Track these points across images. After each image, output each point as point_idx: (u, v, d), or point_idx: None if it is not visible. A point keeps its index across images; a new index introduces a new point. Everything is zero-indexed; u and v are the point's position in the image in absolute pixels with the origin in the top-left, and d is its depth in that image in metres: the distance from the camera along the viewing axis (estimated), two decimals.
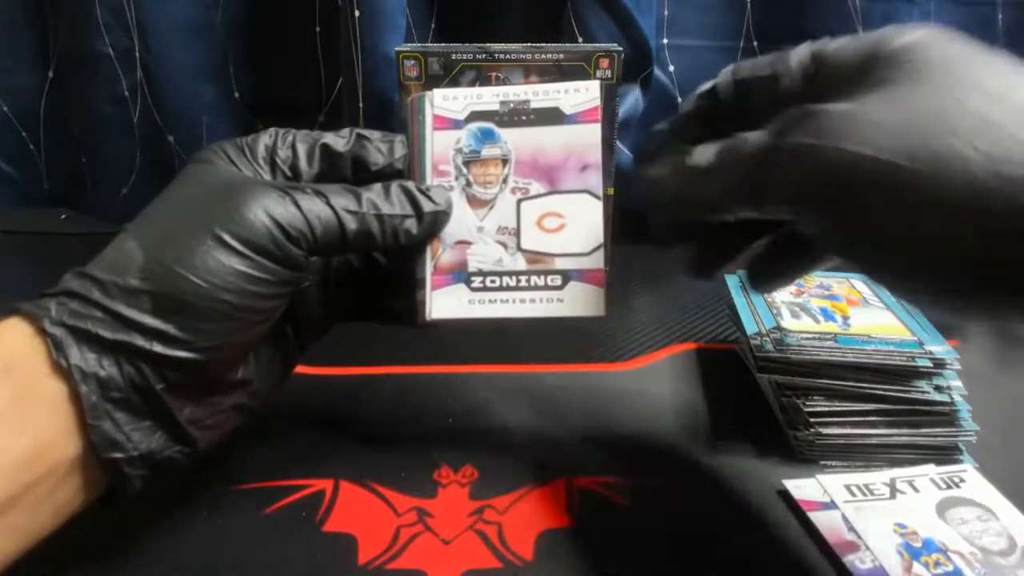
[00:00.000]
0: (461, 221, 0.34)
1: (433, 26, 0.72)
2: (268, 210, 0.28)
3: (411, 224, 0.32)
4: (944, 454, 0.38)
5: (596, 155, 0.33)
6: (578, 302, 0.33)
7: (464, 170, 0.34)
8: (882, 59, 0.25)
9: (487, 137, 0.34)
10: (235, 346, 0.29)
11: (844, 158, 0.23)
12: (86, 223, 0.73)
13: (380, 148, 0.34)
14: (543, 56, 0.52)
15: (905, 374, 0.38)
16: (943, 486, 0.36)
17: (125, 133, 0.70)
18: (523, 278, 0.33)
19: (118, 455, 0.27)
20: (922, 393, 0.38)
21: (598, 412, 0.43)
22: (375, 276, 0.37)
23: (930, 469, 0.37)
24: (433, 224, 0.33)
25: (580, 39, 0.65)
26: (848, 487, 0.36)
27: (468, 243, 0.34)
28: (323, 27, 0.70)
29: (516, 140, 0.34)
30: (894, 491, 0.36)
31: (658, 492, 0.36)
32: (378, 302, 0.37)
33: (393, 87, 0.62)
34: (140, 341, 0.26)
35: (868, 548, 0.32)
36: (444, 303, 0.33)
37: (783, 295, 0.45)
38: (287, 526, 0.33)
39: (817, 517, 0.34)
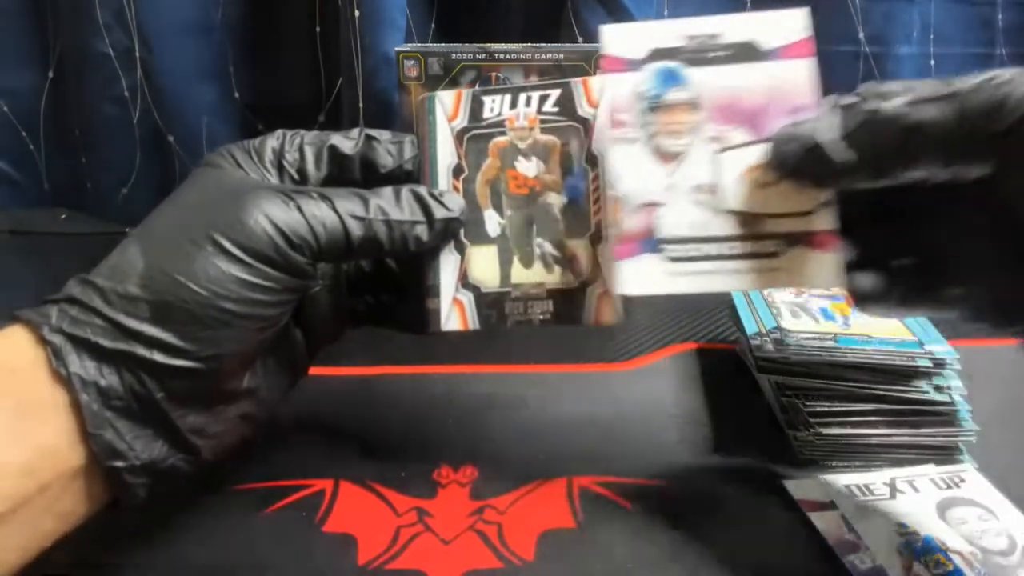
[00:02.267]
0: (646, 179, 0.29)
1: (433, 26, 0.72)
2: (270, 216, 0.28)
3: (421, 231, 0.31)
4: (944, 454, 0.38)
5: (808, 95, 0.28)
6: (804, 271, 0.28)
7: (647, 119, 0.30)
8: None
9: (672, 79, 0.30)
10: (237, 355, 0.28)
11: None
12: (86, 223, 0.73)
13: (390, 149, 0.33)
14: (543, 56, 0.52)
15: (905, 374, 0.38)
16: (943, 486, 0.36)
17: (125, 133, 0.70)
18: (731, 245, 0.29)
19: (120, 464, 0.26)
20: (922, 393, 0.38)
21: (598, 412, 0.43)
22: (387, 282, 0.36)
23: (930, 469, 0.37)
24: (444, 231, 0.32)
25: (580, 39, 0.65)
26: (848, 487, 0.36)
27: (656, 205, 0.29)
28: (323, 27, 0.70)
29: (708, 81, 0.29)
30: (894, 491, 0.36)
31: (658, 492, 0.36)
32: (390, 308, 0.36)
33: (393, 87, 0.62)
34: (140, 350, 0.26)
35: (868, 548, 0.32)
36: (636, 276, 0.29)
37: (783, 295, 0.45)
38: (287, 526, 0.33)
39: (817, 517, 0.34)
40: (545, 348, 0.49)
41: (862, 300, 0.30)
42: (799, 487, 0.36)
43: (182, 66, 0.69)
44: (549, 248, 0.33)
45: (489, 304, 0.33)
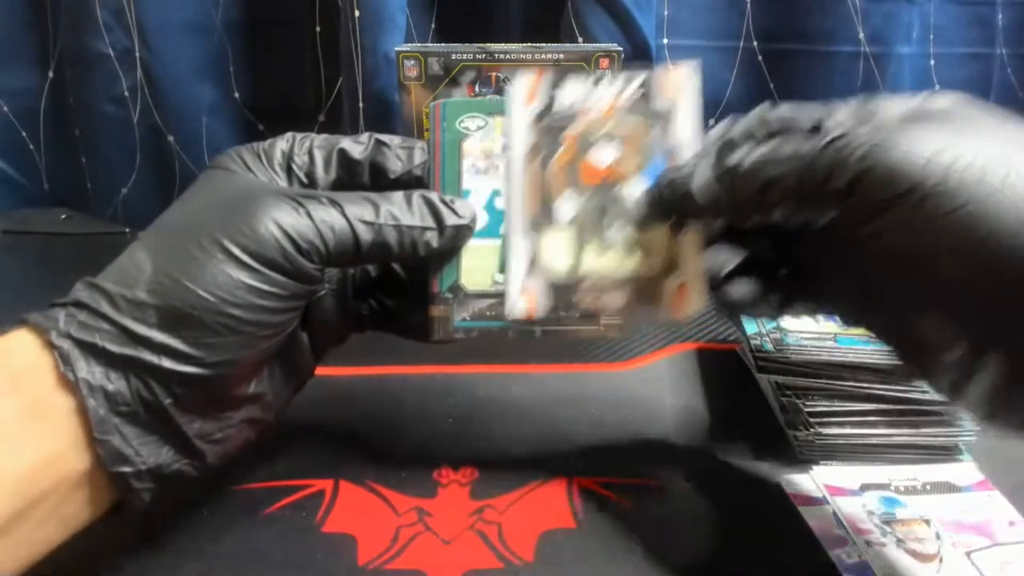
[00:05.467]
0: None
1: (433, 26, 0.72)
2: (279, 221, 0.28)
3: (432, 236, 0.31)
4: (944, 454, 0.38)
5: (1013, 515, 0.34)
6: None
7: (887, 528, 0.33)
8: (928, 112, 0.27)
9: (894, 501, 0.35)
10: (246, 361, 0.28)
11: (907, 158, 0.24)
12: (86, 223, 0.73)
13: (399, 155, 0.33)
14: (543, 56, 0.52)
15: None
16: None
17: (125, 133, 0.70)
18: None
19: (126, 469, 0.26)
20: (922, 393, 0.38)
21: (598, 412, 0.43)
22: (393, 287, 0.36)
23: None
24: (455, 238, 0.32)
25: (580, 39, 0.65)
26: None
27: None
28: (323, 27, 0.70)
29: (924, 504, 0.34)
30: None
31: (658, 492, 0.36)
32: (395, 313, 0.36)
33: (393, 87, 0.62)
34: (148, 356, 0.26)
35: (855, 543, 0.32)
36: None
37: None
38: (287, 526, 0.33)
39: (808, 512, 0.34)
40: (545, 348, 0.49)
41: (736, 307, 0.32)
42: (792, 483, 0.36)
43: (182, 66, 0.69)
44: (623, 237, 0.32)
45: (559, 292, 0.32)
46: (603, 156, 0.32)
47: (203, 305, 0.26)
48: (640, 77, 0.33)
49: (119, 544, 0.32)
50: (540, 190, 0.32)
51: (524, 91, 0.33)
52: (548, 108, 0.33)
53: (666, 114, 0.32)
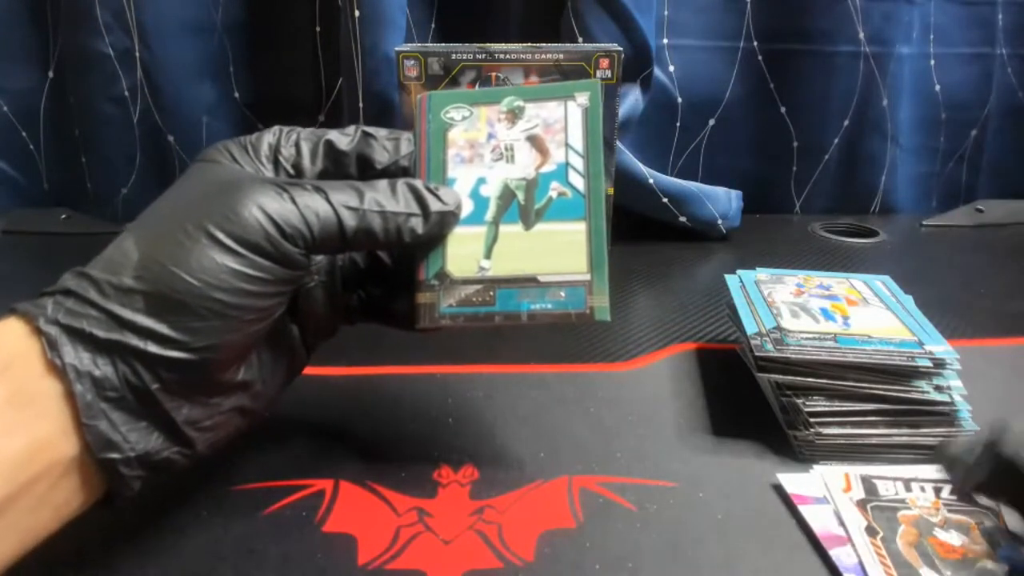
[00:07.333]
0: None
1: (433, 26, 0.72)
2: (263, 207, 0.28)
3: (416, 223, 0.31)
4: None
5: None
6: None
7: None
8: None
9: None
10: (231, 346, 0.28)
11: None
12: (86, 223, 0.73)
13: (386, 146, 0.33)
14: (543, 56, 0.52)
15: (905, 374, 0.38)
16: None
17: (125, 133, 0.70)
18: None
19: (114, 455, 0.26)
20: (922, 393, 0.38)
21: (598, 412, 0.43)
22: (382, 279, 0.36)
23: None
24: (440, 224, 0.32)
25: (580, 39, 0.65)
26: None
27: None
28: (323, 27, 0.70)
29: None
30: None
31: (658, 492, 0.36)
32: (383, 304, 0.36)
33: (393, 87, 0.62)
34: (134, 340, 0.26)
35: (855, 543, 0.32)
36: None
37: (783, 295, 0.45)
38: (287, 526, 0.33)
39: (808, 512, 0.34)
40: (545, 348, 0.49)
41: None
42: (792, 483, 0.36)
43: (182, 66, 0.69)
44: None
45: None
46: (951, 538, 0.32)
47: (188, 290, 0.26)
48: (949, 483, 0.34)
49: (119, 544, 0.32)
50: (895, 567, 0.31)
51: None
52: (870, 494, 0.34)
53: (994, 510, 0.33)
